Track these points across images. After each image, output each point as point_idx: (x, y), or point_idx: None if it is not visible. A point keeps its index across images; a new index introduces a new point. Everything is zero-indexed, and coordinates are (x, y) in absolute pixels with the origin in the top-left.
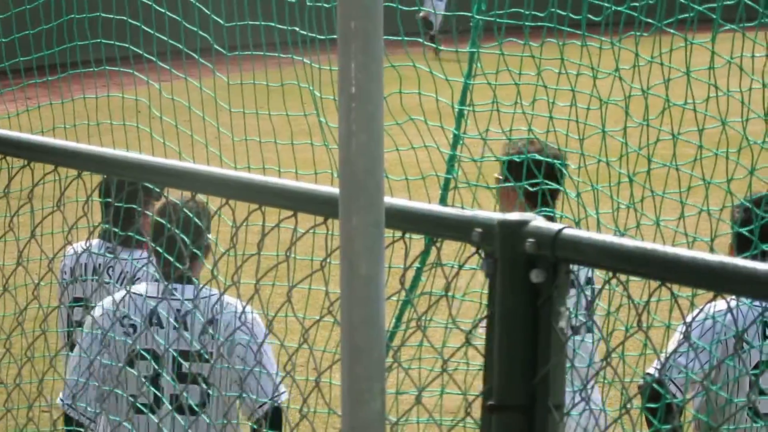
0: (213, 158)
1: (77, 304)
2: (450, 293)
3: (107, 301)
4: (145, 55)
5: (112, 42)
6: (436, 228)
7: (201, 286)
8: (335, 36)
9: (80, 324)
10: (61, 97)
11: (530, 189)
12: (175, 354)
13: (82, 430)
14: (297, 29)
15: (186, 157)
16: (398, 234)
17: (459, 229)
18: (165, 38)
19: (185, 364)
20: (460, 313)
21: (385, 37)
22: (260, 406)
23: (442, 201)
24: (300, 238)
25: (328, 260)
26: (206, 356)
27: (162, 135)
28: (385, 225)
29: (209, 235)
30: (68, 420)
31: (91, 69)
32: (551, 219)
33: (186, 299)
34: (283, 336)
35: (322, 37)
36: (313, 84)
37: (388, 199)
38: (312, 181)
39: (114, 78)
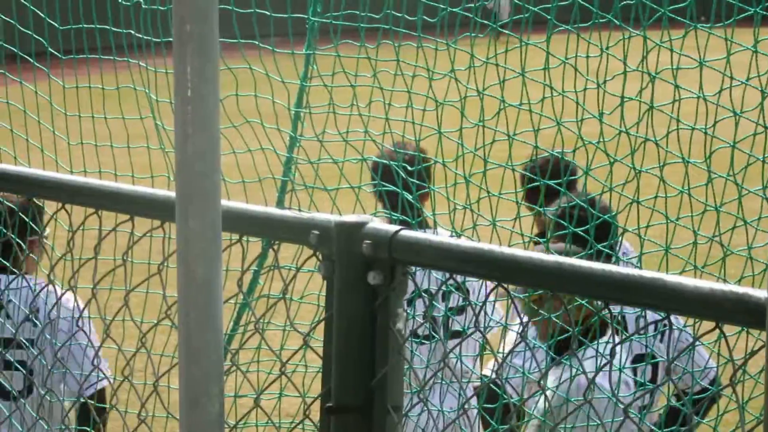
0: (49, 162)
1: None
2: (288, 296)
3: None
4: None
5: None
6: (273, 231)
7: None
8: (171, 39)
9: None
10: None
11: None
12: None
13: None
14: (132, 32)
15: (21, 161)
16: (235, 237)
17: (296, 231)
18: None
19: (6, 350)
20: (298, 316)
21: (221, 39)
22: (84, 388)
23: (279, 204)
24: (137, 242)
25: (165, 264)
26: (26, 344)
27: None
28: (223, 228)
29: (42, 229)
30: None
31: None
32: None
33: (12, 288)
34: (120, 340)
35: (158, 40)
36: (149, 87)
37: (225, 202)
38: (149, 185)
39: None
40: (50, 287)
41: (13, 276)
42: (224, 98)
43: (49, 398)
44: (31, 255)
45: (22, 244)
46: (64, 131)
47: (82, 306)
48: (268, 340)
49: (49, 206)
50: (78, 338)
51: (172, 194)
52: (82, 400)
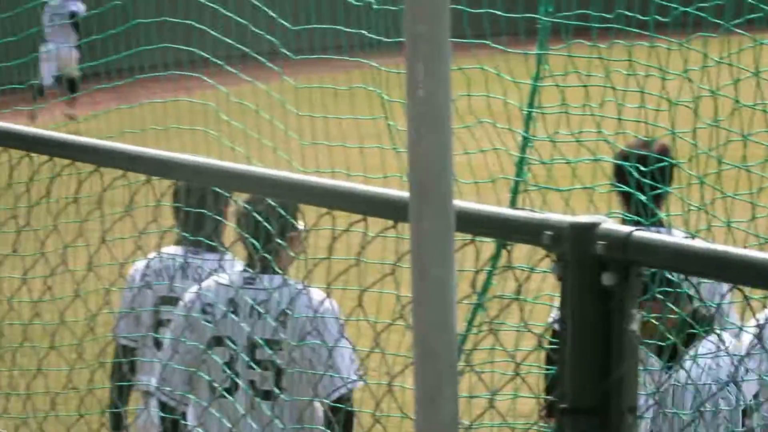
0: (281, 162)
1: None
2: (521, 296)
3: (193, 289)
4: (212, 59)
5: (179, 46)
6: (506, 231)
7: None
8: (402, 39)
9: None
10: (128, 102)
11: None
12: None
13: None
14: (364, 32)
15: (254, 161)
16: (468, 237)
17: (529, 232)
18: (232, 42)
19: (261, 352)
20: (531, 317)
21: (452, 39)
22: (334, 390)
23: (513, 204)
24: (370, 242)
25: (398, 264)
26: (280, 344)
27: (230, 139)
28: (455, 228)
29: (300, 224)
30: (162, 405)
31: (159, 74)
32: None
33: (264, 289)
34: (354, 340)
35: (389, 40)
36: (381, 87)
37: (457, 203)
38: (381, 185)
39: (181, 82)
40: (304, 287)
41: (276, 277)
42: (456, 98)
43: (300, 399)
44: (289, 254)
45: (281, 243)
46: (296, 131)
47: (335, 307)
48: (502, 341)
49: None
50: (332, 339)
51: (405, 194)
52: (331, 401)
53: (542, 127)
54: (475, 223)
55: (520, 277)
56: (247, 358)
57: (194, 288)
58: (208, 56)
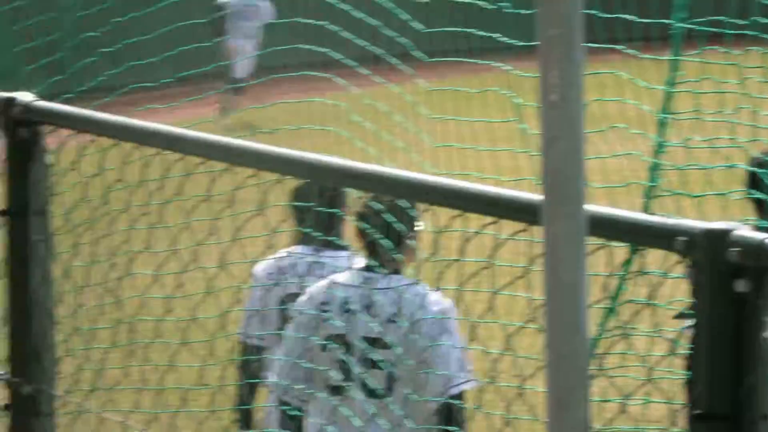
0: (413, 164)
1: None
2: (654, 302)
3: (311, 287)
4: (345, 60)
5: (312, 47)
6: (639, 236)
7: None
8: (534, 43)
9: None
10: (260, 102)
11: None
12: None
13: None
14: (496, 36)
15: (386, 162)
16: (600, 241)
17: (662, 236)
18: (364, 43)
19: (372, 349)
20: (664, 322)
21: (585, 44)
22: (450, 388)
23: (646, 209)
24: (502, 245)
25: (531, 267)
26: (392, 343)
27: (362, 140)
28: (588, 232)
29: (418, 225)
30: (282, 403)
31: (291, 74)
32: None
33: (380, 288)
34: (485, 342)
35: (522, 43)
36: (513, 91)
37: (589, 207)
38: (513, 188)
39: (312, 83)
40: (419, 288)
41: (387, 275)
42: (588, 103)
43: (412, 397)
44: (406, 254)
45: (405, 242)
46: (428, 133)
47: (450, 306)
48: (634, 346)
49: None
50: (444, 339)
51: (538, 197)
52: (445, 400)
53: (675, 132)
54: (607, 228)
55: (652, 283)
56: (361, 357)
57: (312, 286)
58: (340, 57)
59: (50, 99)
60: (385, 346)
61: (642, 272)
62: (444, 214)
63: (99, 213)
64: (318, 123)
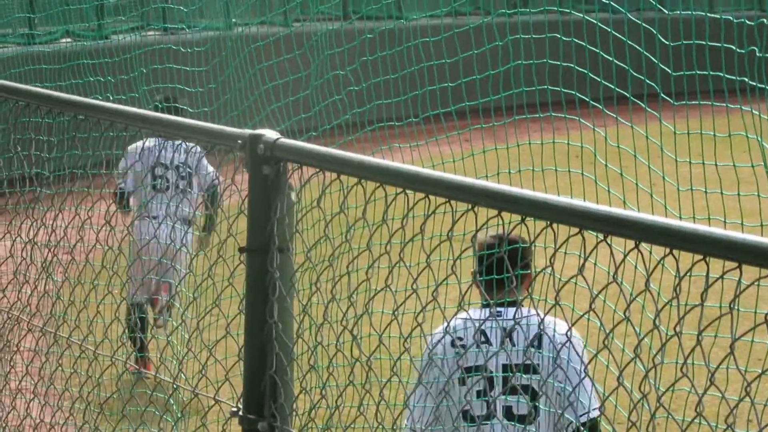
0: (657, 206)
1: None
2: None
3: (441, 327)
4: (591, 101)
5: (558, 88)
6: None
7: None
8: None
9: None
10: (505, 142)
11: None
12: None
13: None
14: (746, 79)
15: (630, 204)
16: None
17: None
18: (611, 85)
19: (513, 378)
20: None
21: None
22: (583, 414)
23: None
24: (744, 291)
25: None
26: (534, 368)
27: (606, 181)
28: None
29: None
30: None
31: (536, 115)
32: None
33: (511, 318)
34: (724, 388)
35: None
36: (760, 134)
37: None
38: (757, 233)
39: (558, 123)
40: (557, 320)
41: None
42: None
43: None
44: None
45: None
46: (672, 175)
47: (579, 338)
48: None
49: (655, 251)
50: (578, 366)
51: None
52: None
53: None
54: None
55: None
56: (504, 384)
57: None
58: (586, 98)
59: (293, 136)
60: (526, 372)
61: None
62: (686, 258)
63: (339, 251)
64: (562, 164)
